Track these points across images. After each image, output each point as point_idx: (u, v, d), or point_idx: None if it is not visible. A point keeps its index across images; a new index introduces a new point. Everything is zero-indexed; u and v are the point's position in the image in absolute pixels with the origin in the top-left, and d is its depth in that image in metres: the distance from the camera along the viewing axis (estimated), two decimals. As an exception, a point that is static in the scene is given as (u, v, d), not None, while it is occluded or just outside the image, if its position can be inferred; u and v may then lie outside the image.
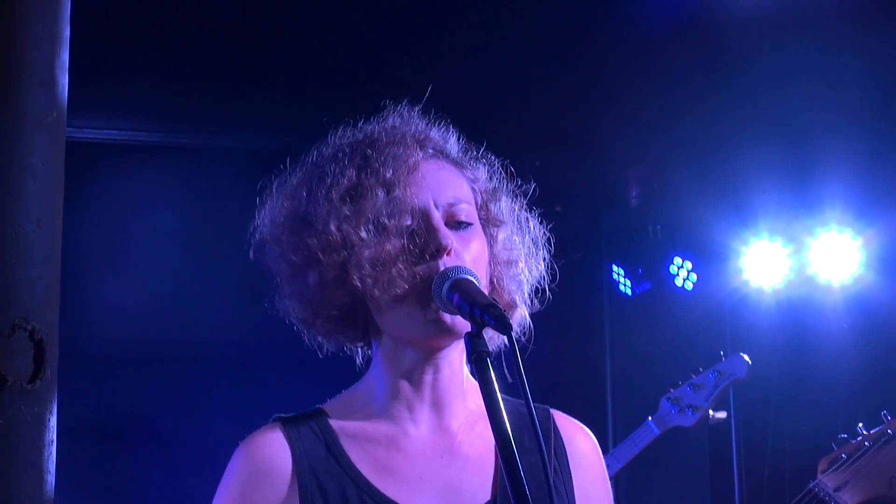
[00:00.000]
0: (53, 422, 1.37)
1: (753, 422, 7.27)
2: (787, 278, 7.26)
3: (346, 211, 2.13)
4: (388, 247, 2.12)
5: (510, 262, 2.28)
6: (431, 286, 2.09)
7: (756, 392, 7.15)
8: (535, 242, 2.32)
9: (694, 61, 6.63)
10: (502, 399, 2.25)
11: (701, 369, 5.79)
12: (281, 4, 5.99)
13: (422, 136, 2.27)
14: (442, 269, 2.09)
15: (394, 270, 2.12)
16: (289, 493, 2.17)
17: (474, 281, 2.05)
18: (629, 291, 7.69)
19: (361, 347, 2.35)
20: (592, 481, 2.23)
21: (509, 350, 1.87)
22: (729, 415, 6.79)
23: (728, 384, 5.68)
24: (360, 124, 2.31)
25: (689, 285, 7.56)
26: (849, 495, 2.26)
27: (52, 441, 1.36)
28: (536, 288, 2.31)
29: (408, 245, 2.13)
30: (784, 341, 7.28)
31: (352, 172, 2.17)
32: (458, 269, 2.09)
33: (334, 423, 2.25)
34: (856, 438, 2.34)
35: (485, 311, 1.93)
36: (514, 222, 2.31)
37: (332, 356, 2.35)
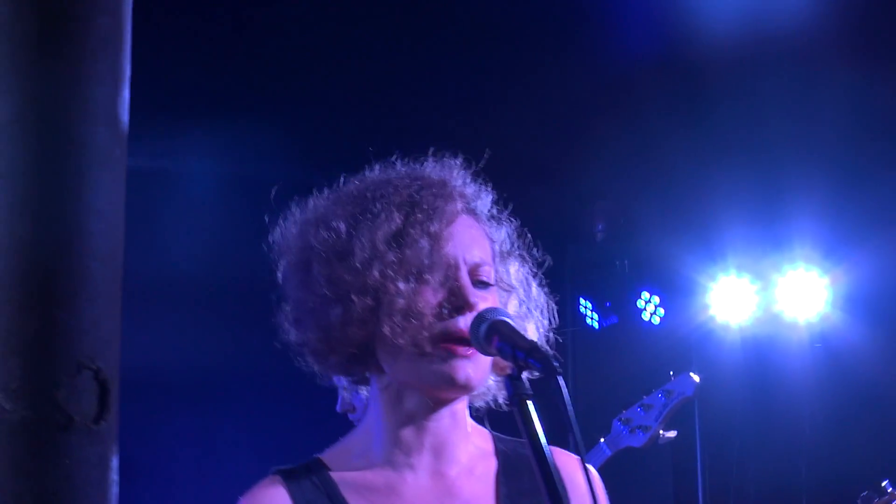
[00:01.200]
0: (116, 462, 1.37)
1: (719, 456, 7.33)
2: (754, 315, 7.38)
3: (391, 257, 2.13)
4: (422, 299, 2.12)
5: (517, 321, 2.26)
6: (468, 330, 2.08)
7: (721, 427, 7.26)
8: (541, 312, 2.32)
9: (663, 96, 6.68)
10: (498, 439, 2.33)
11: (652, 390, 5.85)
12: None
13: (461, 190, 2.27)
14: (462, 325, 2.11)
15: (424, 322, 2.12)
16: None
17: (511, 323, 2.05)
18: (596, 325, 7.74)
19: (355, 386, 2.34)
20: None
21: (557, 393, 1.84)
22: (695, 449, 6.89)
23: (677, 403, 5.67)
24: (399, 163, 2.31)
25: (656, 319, 7.67)
26: None
27: (116, 481, 1.36)
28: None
29: (438, 300, 2.13)
30: (749, 378, 7.40)
31: (398, 217, 2.16)
32: (494, 310, 2.10)
33: (334, 475, 2.24)
34: (881, 496, 2.36)
35: (529, 354, 1.93)
36: (521, 288, 2.31)
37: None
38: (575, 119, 6.85)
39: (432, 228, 2.16)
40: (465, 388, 2.15)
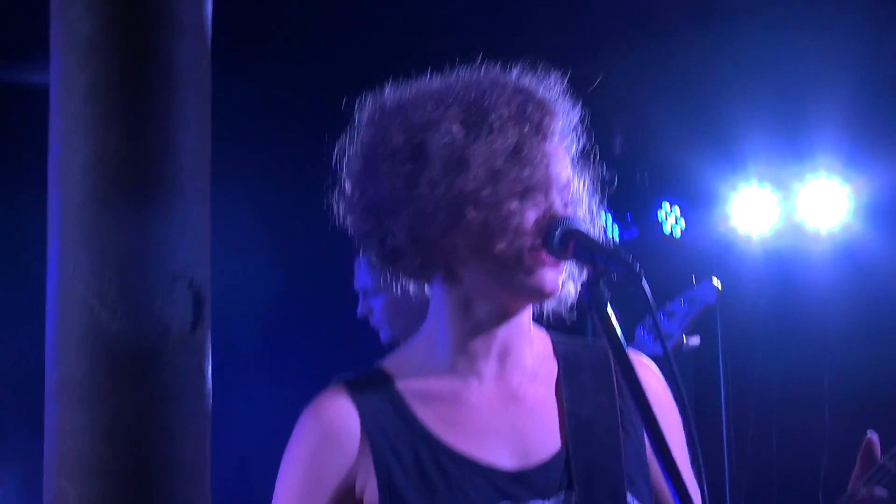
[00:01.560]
0: (210, 371, 1.40)
1: (741, 367, 7.35)
2: (776, 226, 7.35)
3: (510, 175, 2.10)
4: (528, 217, 2.11)
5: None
6: (543, 235, 2.10)
7: (743, 336, 7.28)
8: (599, 224, 2.31)
9: (681, 6, 6.60)
10: (557, 340, 2.33)
11: (675, 296, 5.76)
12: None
13: (557, 107, 2.23)
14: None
15: (526, 239, 2.11)
16: (360, 456, 2.16)
17: (586, 229, 2.07)
18: (616, 238, 7.73)
19: (414, 282, 2.27)
20: (661, 412, 2.12)
21: (643, 298, 1.89)
22: (717, 358, 6.90)
23: (700, 310, 5.57)
24: (511, 70, 2.23)
25: (677, 231, 7.63)
26: None
27: (210, 391, 1.39)
28: None
29: (536, 217, 2.13)
30: (771, 289, 7.36)
31: (514, 133, 2.12)
32: (568, 218, 2.10)
33: (398, 384, 2.22)
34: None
35: (610, 259, 1.96)
36: (586, 200, 2.29)
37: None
38: (591, 31, 6.72)
39: (545, 147, 2.14)
40: (549, 296, 2.16)
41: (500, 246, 2.09)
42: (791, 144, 7.09)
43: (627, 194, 7.61)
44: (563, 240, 2.06)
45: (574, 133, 2.24)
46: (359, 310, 4.04)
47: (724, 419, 7.14)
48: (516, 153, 2.10)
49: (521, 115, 2.13)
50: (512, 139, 2.11)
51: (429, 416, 2.18)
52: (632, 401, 1.99)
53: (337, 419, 2.17)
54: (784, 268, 7.36)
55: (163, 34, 1.39)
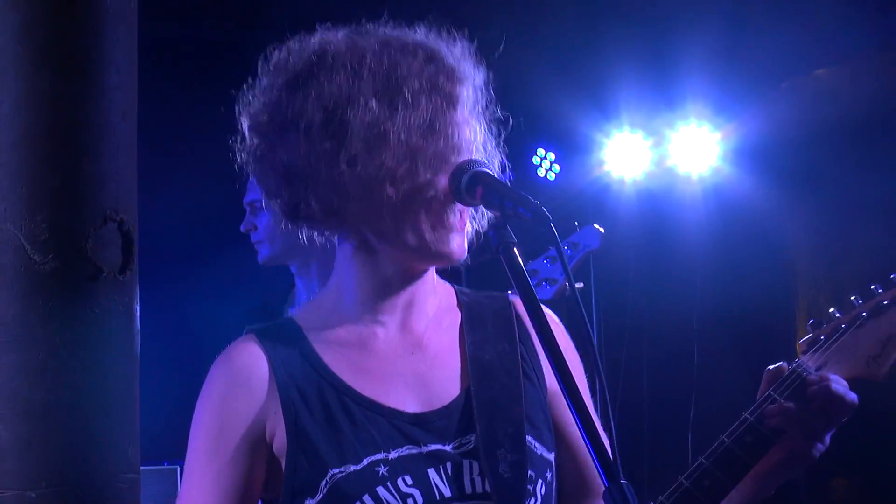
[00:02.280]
0: (138, 311, 1.40)
1: (614, 310, 7.47)
2: (648, 170, 7.49)
3: (427, 150, 2.08)
4: (440, 185, 2.10)
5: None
6: (450, 182, 2.08)
7: (617, 279, 7.39)
8: (495, 144, 2.32)
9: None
10: (460, 291, 2.34)
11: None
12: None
13: (465, 71, 2.20)
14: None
15: (441, 205, 2.11)
16: (268, 399, 2.16)
17: (493, 173, 2.07)
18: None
19: (326, 236, 2.26)
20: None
21: (551, 243, 1.90)
22: (590, 301, 6.98)
23: (583, 256, 5.50)
24: (416, 31, 2.21)
25: (551, 175, 7.70)
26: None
27: (138, 330, 1.40)
28: None
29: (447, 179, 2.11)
30: (644, 230, 7.49)
31: (427, 106, 2.10)
32: (473, 162, 2.09)
33: (306, 331, 2.24)
34: (830, 322, 2.47)
35: (518, 202, 1.96)
36: (485, 147, 2.28)
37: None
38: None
39: (456, 117, 2.14)
40: (458, 261, 2.17)
41: (415, 216, 2.10)
42: (662, 93, 7.20)
43: (504, 139, 7.63)
44: (470, 185, 2.05)
45: (479, 94, 2.23)
46: (242, 224, 4.04)
47: (597, 362, 7.19)
48: (431, 127, 2.10)
49: (433, 87, 2.12)
50: (425, 113, 2.10)
51: (335, 362, 2.20)
52: (540, 344, 1.98)
53: (247, 365, 2.18)
54: (656, 210, 7.51)
55: (90, -25, 1.38)
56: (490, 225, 2.01)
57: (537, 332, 1.94)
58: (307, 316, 2.28)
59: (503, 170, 2.24)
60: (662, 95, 7.23)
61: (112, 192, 1.34)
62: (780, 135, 6.98)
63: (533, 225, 1.92)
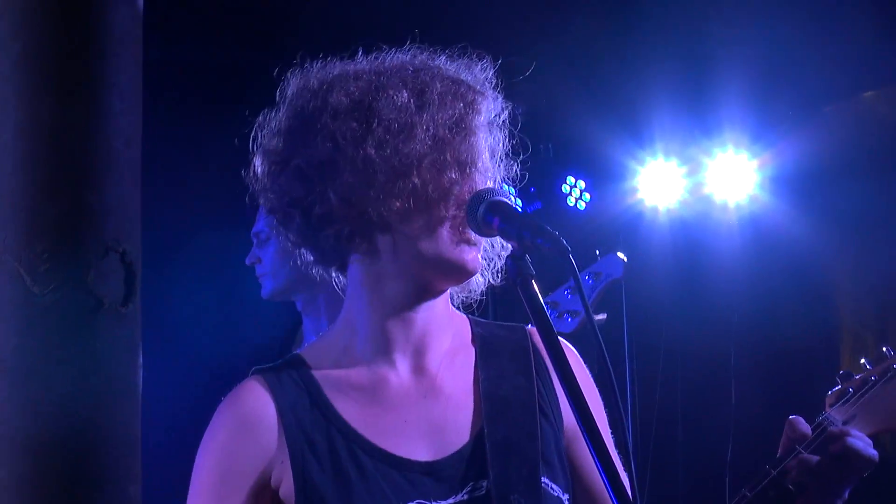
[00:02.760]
0: (140, 345, 1.41)
1: (647, 343, 7.46)
2: (682, 198, 7.47)
3: (454, 145, 2.14)
4: (465, 187, 2.16)
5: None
6: (466, 210, 2.12)
7: (649, 314, 7.39)
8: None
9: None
10: (475, 322, 2.37)
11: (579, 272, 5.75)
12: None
13: (486, 91, 2.29)
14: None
15: (461, 211, 2.15)
16: (277, 447, 2.18)
17: (510, 202, 2.10)
18: (519, 210, 7.69)
19: (332, 271, 2.33)
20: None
21: (570, 274, 1.94)
22: (623, 334, 6.94)
23: (605, 286, 5.54)
24: (438, 55, 2.31)
25: (581, 205, 7.66)
26: (857, 428, 2.40)
27: (141, 364, 1.40)
28: None
29: (468, 189, 2.18)
30: (678, 260, 7.45)
31: (458, 106, 2.17)
32: (490, 191, 2.13)
33: (316, 372, 2.24)
34: (859, 375, 2.49)
35: (537, 234, 1.98)
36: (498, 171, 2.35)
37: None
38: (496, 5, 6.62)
39: (477, 122, 2.20)
40: (471, 275, 2.20)
41: (439, 213, 2.12)
42: (698, 118, 7.19)
43: (530, 166, 7.60)
44: (487, 215, 2.08)
45: (497, 118, 2.29)
46: (248, 257, 4.03)
47: (629, 397, 7.19)
48: (457, 125, 2.15)
49: (456, 93, 2.18)
50: (452, 111, 2.15)
51: (345, 407, 2.21)
52: (558, 379, 1.98)
53: (254, 410, 2.19)
54: (691, 239, 7.48)
55: (95, 1, 1.39)
56: (507, 256, 2.04)
57: (554, 367, 1.97)
58: (317, 354, 2.29)
59: (530, 197, 2.33)
60: (698, 121, 7.22)
61: (114, 221, 1.34)
62: (822, 162, 6.96)
63: (552, 256, 1.96)
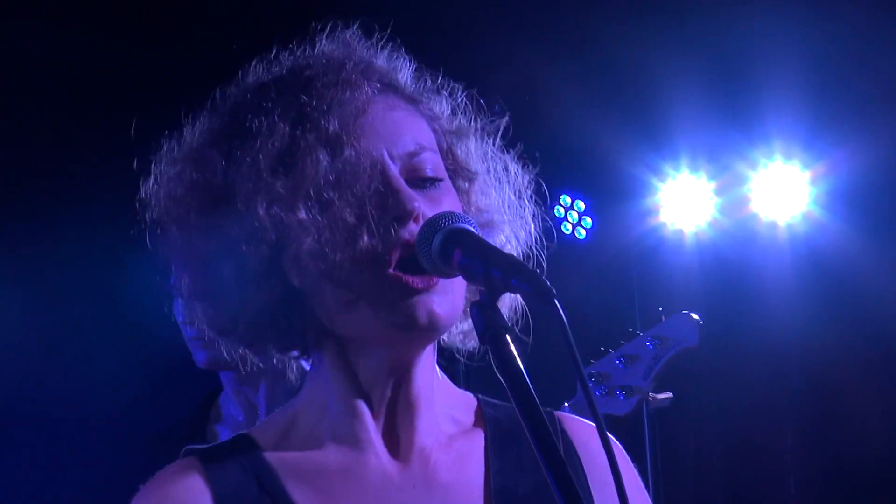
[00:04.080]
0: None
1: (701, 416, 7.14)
2: (713, 219, 7.09)
3: (278, 187, 2.01)
4: (336, 228, 2.00)
5: (488, 226, 2.17)
6: (414, 244, 1.97)
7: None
8: (518, 195, 2.22)
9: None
10: (486, 403, 2.23)
11: (637, 332, 5.16)
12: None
13: (366, 67, 2.14)
14: (408, 235, 1.98)
15: (346, 258, 1.99)
16: None
17: (474, 230, 1.93)
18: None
19: (296, 358, 2.24)
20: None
21: (557, 324, 1.74)
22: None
23: (674, 355, 5.08)
24: (284, 55, 2.19)
25: (580, 232, 7.25)
26: None
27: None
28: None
29: (361, 220, 2.00)
30: (712, 296, 6.98)
31: (283, 128, 2.04)
32: (449, 215, 1.96)
33: (269, 455, 2.16)
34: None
35: (510, 272, 1.81)
36: (487, 171, 2.20)
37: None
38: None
39: (331, 128, 2.04)
40: (431, 330, 2.02)
41: (309, 276, 2.03)
42: (734, 124, 6.94)
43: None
44: (444, 248, 1.93)
45: (432, 90, 2.18)
46: (202, 361, 3.80)
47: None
48: (289, 154, 2.03)
49: (297, 103, 2.06)
50: (281, 139, 2.04)
51: (307, 497, 2.11)
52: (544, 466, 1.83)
53: (183, 500, 2.10)
54: (727, 268, 7.12)
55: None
56: (473, 304, 1.88)
57: (539, 459, 1.80)
58: (269, 434, 2.20)
59: (527, 205, 2.18)
60: (735, 126, 6.90)
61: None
62: (886, 174, 6.85)
63: (532, 303, 1.87)
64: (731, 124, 6.90)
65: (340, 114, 2.05)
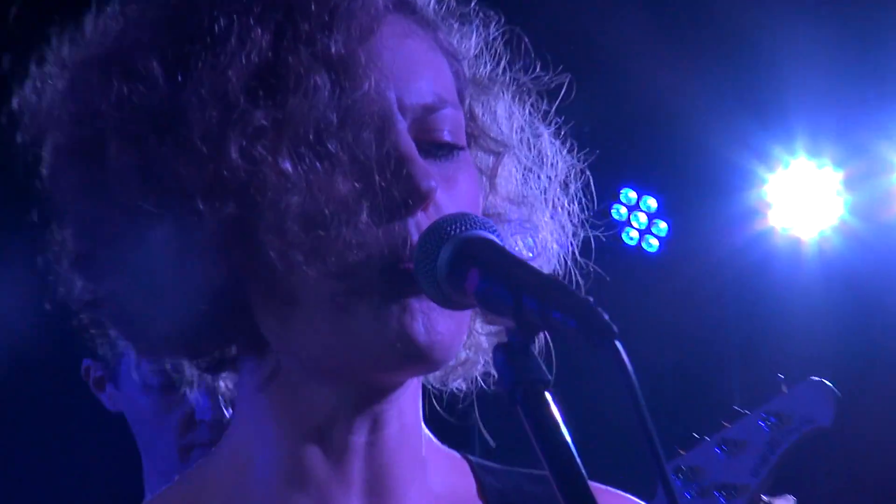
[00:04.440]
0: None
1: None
2: (839, 223, 6.23)
3: (260, 118, 1.62)
4: (333, 191, 1.65)
5: (516, 229, 1.89)
6: (417, 256, 1.62)
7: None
8: (563, 186, 1.84)
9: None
10: (484, 468, 1.99)
11: (744, 410, 4.49)
12: None
13: None
14: (414, 228, 1.62)
15: (342, 236, 1.62)
16: None
17: (498, 241, 1.58)
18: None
19: (214, 377, 1.84)
20: None
21: (623, 382, 1.35)
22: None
23: (799, 438, 4.37)
24: None
25: (652, 243, 6.49)
26: None
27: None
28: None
29: (365, 191, 1.65)
30: (845, 324, 6.12)
31: (263, 37, 1.66)
32: (462, 218, 1.58)
33: None
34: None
35: (551, 302, 1.41)
36: (520, 147, 1.86)
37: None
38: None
39: (333, 49, 1.68)
40: (429, 360, 1.66)
41: (291, 255, 1.64)
42: (871, 97, 6.23)
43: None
44: (453, 267, 1.56)
45: (459, 17, 1.82)
46: (107, 401, 3.60)
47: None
48: (271, 74, 1.67)
49: (284, 2, 1.70)
50: (260, 50, 1.66)
51: None
52: None
53: None
54: (863, 287, 6.28)
55: None
56: (496, 347, 1.52)
57: None
58: (189, 495, 1.92)
59: (573, 195, 1.86)
60: (870, 94, 6.05)
61: None
62: None
63: (583, 344, 1.47)
64: (866, 94, 5.98)
65: (344, 30, 1.70)
